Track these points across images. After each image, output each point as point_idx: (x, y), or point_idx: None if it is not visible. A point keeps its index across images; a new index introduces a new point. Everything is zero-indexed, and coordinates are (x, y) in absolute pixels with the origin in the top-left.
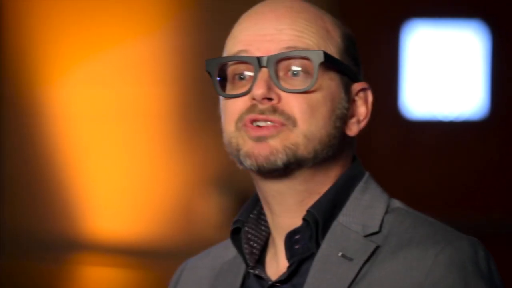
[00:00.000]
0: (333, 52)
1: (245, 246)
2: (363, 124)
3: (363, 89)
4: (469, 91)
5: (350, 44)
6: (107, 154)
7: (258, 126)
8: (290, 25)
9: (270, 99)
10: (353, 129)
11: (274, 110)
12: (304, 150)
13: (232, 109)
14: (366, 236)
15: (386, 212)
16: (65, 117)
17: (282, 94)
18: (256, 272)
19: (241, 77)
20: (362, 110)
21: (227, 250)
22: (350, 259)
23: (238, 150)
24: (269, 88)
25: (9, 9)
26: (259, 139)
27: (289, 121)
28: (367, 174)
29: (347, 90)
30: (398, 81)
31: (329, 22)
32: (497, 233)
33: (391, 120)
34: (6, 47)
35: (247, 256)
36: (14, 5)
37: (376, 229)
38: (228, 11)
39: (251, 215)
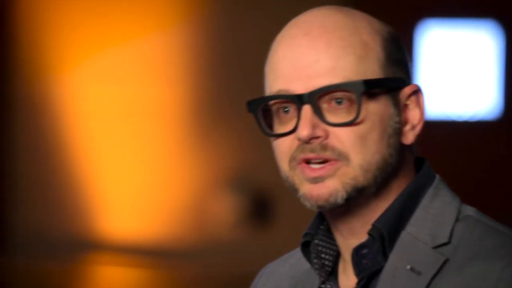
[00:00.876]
0: (375, 68)
1: (315, 261)
2: (418, 128)
3: (414, 92)
4: (483, 91)
5: (392, 47)
6: (120, 154)
7: (313, 165)
8: (326, 52)
9: (317, 137)
10: (409, 137)
11: (324, 147)
12: (364, 181)
13: (282, 147)
14: (435, 247)
15: (457, 220)
16: (78, 116)
17: (329, 127)
18: (328, 286)
19: (286, 110)
20: (415, 113)
21: (303, 259)
22: (419, 273)
23: (295, 190)
24: (314, 126)
25: (22, 7)
26: (316, 180)
27: (341, 156)
28: (437, 179)
29: (396, 101)
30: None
31: (365, 32)
32: None
33: None
34: (20, 46)
35: (317, 272)
36: (27, 3)
37: (445, 239)
38: (242, 9)
39: (321, 226)
